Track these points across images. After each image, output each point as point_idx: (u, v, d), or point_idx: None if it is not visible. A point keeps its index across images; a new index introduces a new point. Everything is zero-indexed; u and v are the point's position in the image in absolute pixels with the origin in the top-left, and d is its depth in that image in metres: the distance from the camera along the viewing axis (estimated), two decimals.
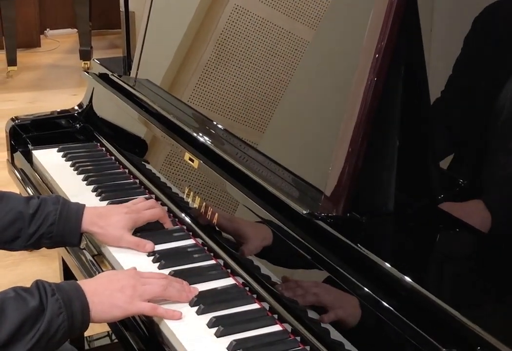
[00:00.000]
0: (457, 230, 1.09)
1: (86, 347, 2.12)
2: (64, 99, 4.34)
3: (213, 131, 1.43)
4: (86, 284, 1.14)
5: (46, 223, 1.31)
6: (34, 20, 5.67)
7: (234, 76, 1.37)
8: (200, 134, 1.41)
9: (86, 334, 2.15)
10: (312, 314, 1.07)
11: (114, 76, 1.78)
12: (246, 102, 1.34)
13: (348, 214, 1.08)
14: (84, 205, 1.35)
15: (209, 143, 1.38)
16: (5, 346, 1.04)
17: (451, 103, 1.10)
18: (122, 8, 1.94)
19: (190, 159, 1.42)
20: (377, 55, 1.02)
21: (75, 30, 5.44)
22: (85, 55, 4.84)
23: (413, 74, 1.08)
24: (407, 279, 0.96)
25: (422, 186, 1.11)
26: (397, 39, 1.03)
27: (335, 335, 1.03)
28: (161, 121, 1.57)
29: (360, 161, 1.05)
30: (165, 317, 1.14)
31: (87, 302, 1.10)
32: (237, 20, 1.40)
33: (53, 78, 4.98)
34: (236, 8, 1.43)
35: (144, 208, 1.38)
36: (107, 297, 1.13)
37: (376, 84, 1.03)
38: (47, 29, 5.98)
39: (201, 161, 1.38)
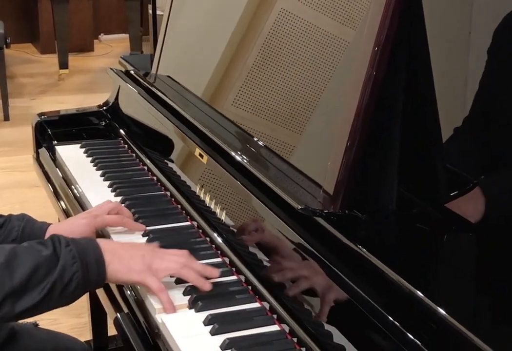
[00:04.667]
0: (464, 230, 1.04)
1: None
2: None
3: (227, 130, 1.40)
4: (106, 243, 1.16)
5: (8, 239, 1.30)
6: (88, 25, 5.76)
7: (279, 80, 1.34)
8: (211, 131, 1.39)
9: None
10: (311, 316, 1.04)
11: (136, 72, 1.77)
12: (289, 105, 1.30)
13: (347, 211, 1.04)
14: (48, 224, 1.34)
15: (220, 141, 1.35)
16: (19, 293, 1.05)
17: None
18: (150, 10, 1.94)
19: (200, 155, 1.39)
20: (376, 48, 0.98)
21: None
22: None
23: (417, 67, 1.03)
24: (413, 288, 0.91)
25: (427, 184, 1.06)
26: (397, 32, 0.99)
27: (336, 338, 0.99)
28: (180, 118, 1.55)
29: (359, 155, 1.01)
30: (164, 304, 1.12)
31: (103, 256, 1.12)
32: (283, 23, 1.37)
33: (104, 82, 5.00)
34: (282, 12, 1.41)
35: (105, 211, 1.36)
36: (127, 258, 1.14)
37: (375, 77, 0.99)
38: (101, 34, 6.08)
39: (211, 157, 1.36)
